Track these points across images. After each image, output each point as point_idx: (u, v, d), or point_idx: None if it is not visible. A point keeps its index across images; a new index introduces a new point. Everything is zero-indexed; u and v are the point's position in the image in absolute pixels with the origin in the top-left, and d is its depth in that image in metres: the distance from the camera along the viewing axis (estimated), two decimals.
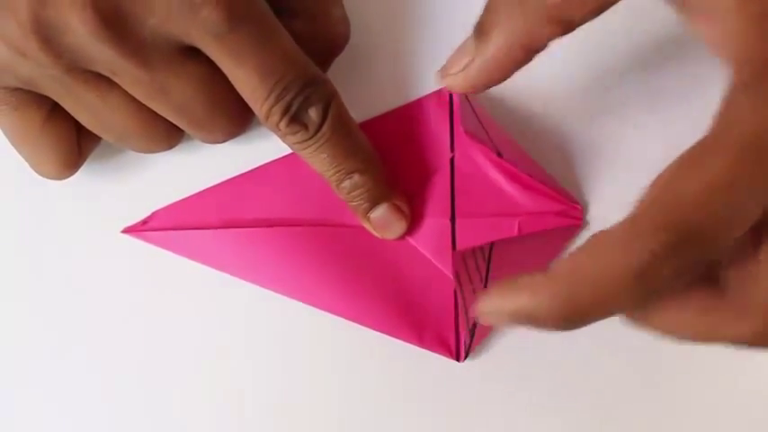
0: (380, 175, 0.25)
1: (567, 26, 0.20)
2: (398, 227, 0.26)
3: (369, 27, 0.28)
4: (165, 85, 0.22)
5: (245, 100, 0.23)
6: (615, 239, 0.17)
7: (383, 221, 0.26)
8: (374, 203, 0.25)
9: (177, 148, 0.26)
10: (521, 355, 0.27)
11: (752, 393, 0.27)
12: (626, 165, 0.27)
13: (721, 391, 0.27)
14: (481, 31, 0.21)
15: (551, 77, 0.27)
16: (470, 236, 0.26)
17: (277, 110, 0.22)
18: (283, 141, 0.24)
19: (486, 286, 0.26)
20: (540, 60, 0.21)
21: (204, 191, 0.27)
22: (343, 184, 0.25)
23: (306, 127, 0.23)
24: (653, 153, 0.22)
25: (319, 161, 0.24)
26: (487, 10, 0.21)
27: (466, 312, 0.26)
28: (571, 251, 0.18)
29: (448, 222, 0.26)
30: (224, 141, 0.25)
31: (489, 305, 0.19)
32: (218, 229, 0.26)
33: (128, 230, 0.27)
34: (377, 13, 0.28)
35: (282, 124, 0.23)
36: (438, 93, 0.27)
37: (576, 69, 0.28)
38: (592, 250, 0.17)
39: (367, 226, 0.26)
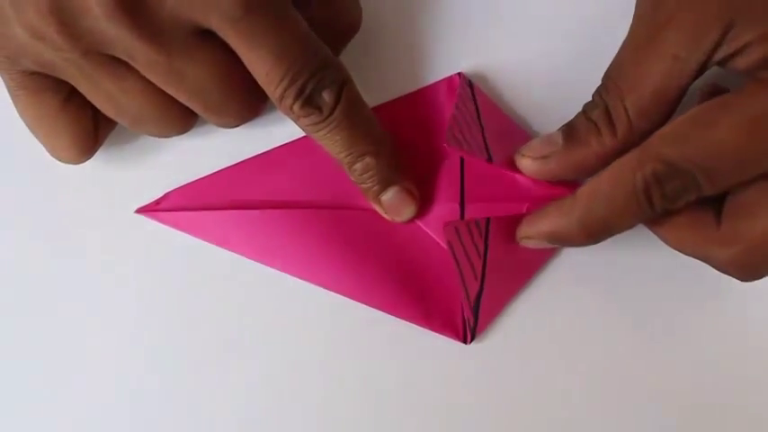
0: (392, 158, 0.25)
1: (650, 133, 0.22)
2: (408, 210, 0.26)
3: (381, 13, 0.28)
4: (181, 69, 0.22)
5: (260, 83, 0.23)
6: (626, 164, 0.22)
7: (394, 204, 0.26)
8: (385, 186, 0.26)
9: (191, 131, 0.26)
10: (527, 338, 0.27)
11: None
12: None
13: (721, 376, 0.28)
14: (574, 136, 0.24)
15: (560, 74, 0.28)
16: (499, 228, 0.26)
17: (291, 93, 0.23)
18: (297, 124, 0.24)
19: (485, 265, 0.26)
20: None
21: (217, 172, 0.27)
22: (354, 167, 0.25)
23: (319, 110, 0.23)
24: None
25: (332, 143, 0.24)
26: (580, 121, 0.24)
27: (466, 290, 0.26)
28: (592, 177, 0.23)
29: (457, 207, 0.27)
30: (237, 125, 0.26)
31: (527, 230, 0.25)
32: (231, 210, 0.27)
33: (141, 210, 0.27)
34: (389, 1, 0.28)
35: (296, 107, 0.23)
36: (449, 79, 0.27)
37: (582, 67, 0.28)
38: (607, 174, 0.22)
39: (378, 208, 0.26)
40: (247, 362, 0.27)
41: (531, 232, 0.25)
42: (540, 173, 0.25)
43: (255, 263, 0.27)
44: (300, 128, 0.24)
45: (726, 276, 0.23)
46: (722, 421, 0.27)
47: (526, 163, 0.25)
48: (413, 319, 0.27)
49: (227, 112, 0.25)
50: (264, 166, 0.27)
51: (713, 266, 0.23)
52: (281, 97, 0.23)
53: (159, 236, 0.27)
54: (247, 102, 0.25)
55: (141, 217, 0.27)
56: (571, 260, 0.28)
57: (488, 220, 0.26)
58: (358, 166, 0.25)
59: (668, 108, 0.23)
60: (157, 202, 0.27)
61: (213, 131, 0.28)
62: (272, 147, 0.28)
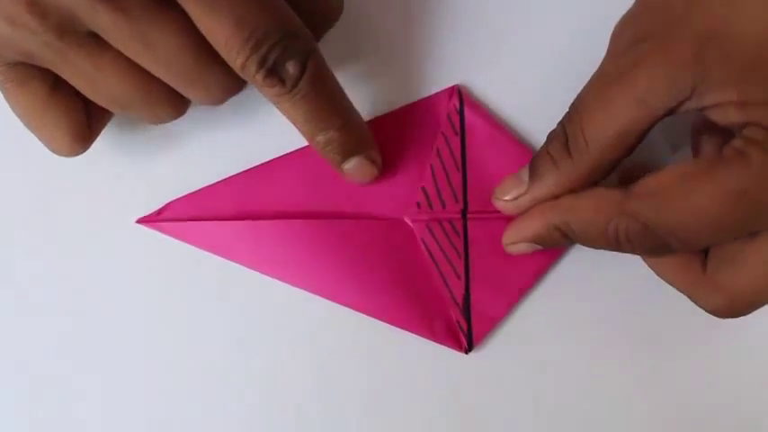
0: (358, 130, 0.25)
1: (610, 170, 0.23)
2: (370, 175, 0.26)
3: (376, 18, 0.29)
4: (146, 34, 0.21)
5: (219, 52, 0.22)
6: (606, 202, 0.23)
7: (354, 173, 0.26)
8: (347, 156, 0.25)
9: (193, 139, 0.26)
10: (526, 347, 0.28)
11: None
12: None
13: (719, 384, 0.28)
14: (537, 173, 0.24)
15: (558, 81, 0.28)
16: (482, 231, 0.27)
17: (253, 62, 0.21)
18: (260, 92, 0.23)
19: (467, 266, 0.27)
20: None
21: (219, 182, 0.27)
22: (317, 139, 0.24)
23: (282, 82, 0.22)
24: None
25: (294, 115, 0.24)
26: (539, 157, 0.24)
27: (450, 290, 0.27)
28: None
29: (459, 216, 0.27)
30: (224, 99, 0.24)
31: (512, 236, 0.25)
32: (233, 221, 0.27)
33: (142, 221, 0.27)
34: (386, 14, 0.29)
35: (259, 77, 0.22)
36: (441, 94, 0.28)
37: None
38: (587, 202, 0.23)
39: (339, 172, 0.26)
40: (246, 371, 0.27)
41: (516, 237, 0.25)
42: (517, 213, 0.25)
43: (256, 273, 0.27)
44: (265, 96, 0.23)
45: None
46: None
47: (501, 205, 0.25)
48: (414, 329, 0.27)
49: (207, 84, 0.23)
50: (268, 175, 0.27)
51: (698, 306, 0.24)
52: (243, 66, 0.22)
53: (160, 246, 0.27)
54: (226, 72, 0.23)
55: (141, 227, 0.27)
56: (573, 270, 0.28)
57: (465, 220, 0.27)
58: (320, 138, 0.24)
59: (630, 146, 0.22)
60: (159, 212, 0.27)
61: (214, 141, 0.28)
62: (276, 155, 0.28)
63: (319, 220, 0.27)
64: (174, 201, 0.27)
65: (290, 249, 0.27)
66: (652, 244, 0.22)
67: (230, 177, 0.27)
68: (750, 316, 0.24)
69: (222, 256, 0.27)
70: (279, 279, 0.27)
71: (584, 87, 0.23)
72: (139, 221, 0.27)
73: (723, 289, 0.23)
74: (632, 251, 0.23)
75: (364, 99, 0.28)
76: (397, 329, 0.27)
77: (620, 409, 0.28)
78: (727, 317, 0.24)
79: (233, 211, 0.27)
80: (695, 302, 0.24)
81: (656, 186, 0.22)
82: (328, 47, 0.28)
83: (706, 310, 0.24)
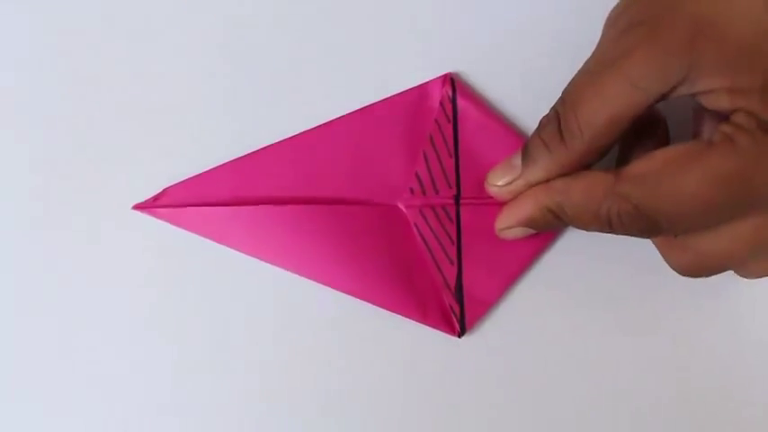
0: None
1: (603, 154, 0.24)
2: None
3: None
4: None
5: None
6: (599, 185, 0.23)
7: None
8: None
9: (189, 125, 0.26)
10: (519, 331, 0.28)
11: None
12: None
13: (719, 374, 0.29)
14: (530, 158, 0.24)
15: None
16: (474, 216, 0.28)
17: None
18: None
19: (460, 251, 0.28)
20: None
21: (216, 168, 0.28)
22: None
23: None
24: None
25: None
26: (532, 143, 0.24)
27: (443, 274, 0.27)
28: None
29: (452, 201, 0.28)
30: None
31: (505, 221, 0.26)
32: (230, 206, 0.27)
33: (139, 207, 0.28)
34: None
35: None
36: (435, 82, 0.28)
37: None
38: (580, 184, 0.23)
39: None
40: (241, 357, 0.28)
41: (510, 222, 0.26)
42: (510, 198, 0.26)
43: (253, 259, 0.27)
44: None
45: (721, 277, 0.25)
46: (713, 418, 0.29)
47: (494, 191, 0.26)
48: (408, 313, 0.27)
49: None
50: (263, 161, 0.28)
51: (665, 260, 0.25)
52: None
53: (156, 232, 0.28)
54: None
55: (138, 213, 0.28)
56: (566, 256, 0.29)
57: (458, 206, 0.27)
58: None
59: (622, 131, 0.23)
60: (155, 198, 0.27)
61: (210, 128, 0.28)
62: (272, 141, 0.28)
63: (315, 205, 0.27)
64: (172, 186, 0.27)
65: (285, 234, 0.27)
66: (643, 225, 0.23)
67: (226, 163, 0.28)
68: (748, 299, 0.24)
69: (218, 241, 0.27)
70: (274, 264, 0.27)
71: (577, 73, 0.24)
72: (136, 207, 0.28)
73: (691, 250, 0.24)
74: (624, 232, 0.23)
75: (358, 85, 0.28)
76: (391, 314, 0.27)
77: (614, 392, 0.28)
78: (688, 276, 0.25)
79: (229, 197, 0.27)
80: (663, 256, 0.25)
81: (646, 169, 0.22)
82: (322, 36, 0.29)
83: (670, 266, 0.25)
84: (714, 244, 0.23)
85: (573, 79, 0.24)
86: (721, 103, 0.22)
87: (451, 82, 0.28)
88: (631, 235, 0.24)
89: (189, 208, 0.27)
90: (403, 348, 0.28)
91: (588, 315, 0.29)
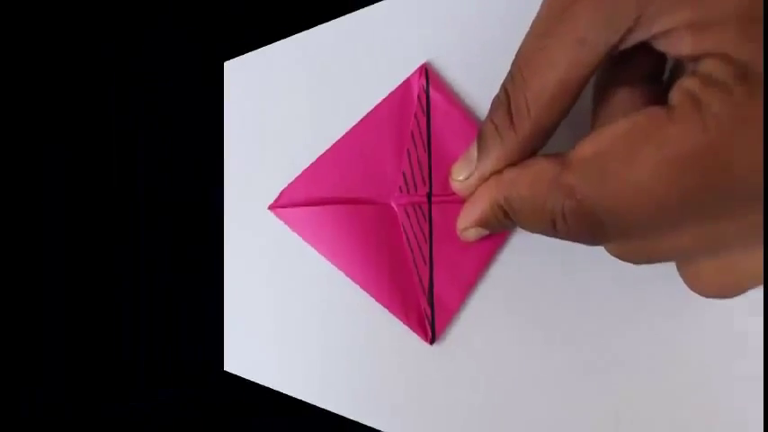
0: None
1: (548, 135, 0.20)
2: None
3: None
4: None
5: None
6: (544, 175, 0.19)
7: None
8: None
9: None
10: (489, 339, 0.26)
11: None
12: None
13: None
14: (483, 146, 0.21)
15: None
16: (442, 215, 0.26)
17: None
18: None
19: (431, 249, 0.26)
20: None
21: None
22: None
23: None
24: None
25: None
26: (484, 129, 0.21)
27: (419, 275, 0.26)
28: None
29: (425, 199, 0.26)
30: None
31: (464, 221, 0.23)
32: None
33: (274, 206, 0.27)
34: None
35: None
36: (410, 79, 0.27)
37: None
38: (527, 178, 0.20)
39: None
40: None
41: (466, 222, 0.23)
42: (468, 194, 0.23)
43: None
44: None
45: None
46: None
47: (456, 186, 0.23)
48: (398, 315, 0.26)
49: None
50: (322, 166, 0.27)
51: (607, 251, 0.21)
52: None
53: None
54: None
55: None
56: (521, 256, 0.26)
57: (430, 204, 0.25)
58: None
59: (572, 100, 0.19)
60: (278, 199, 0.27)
61: None
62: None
63: (357, 205, 0.27)
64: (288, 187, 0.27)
65: (339, 235, 0.27)
66: (586, 228, 0.18)
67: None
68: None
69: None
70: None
71: (523, 41, 0.20)
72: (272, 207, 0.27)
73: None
74: (567, 236, 0.19)
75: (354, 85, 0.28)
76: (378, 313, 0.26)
77: (582, 386, 0.25)
78: (625, 261, 0.21)
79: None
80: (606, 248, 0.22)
81: (591, 152, 0.18)
82: (319, 37, 0.28)
83: (611, 253, 0.21)
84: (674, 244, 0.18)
85: (520, 46, 0.20)
86: (684, 46, 0.16)
87: (426, 72, 0.27)
88: (574, 240, 0.19)
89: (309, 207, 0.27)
90: (376, 352, 0.27)
91: (552, 314, 0.26)
